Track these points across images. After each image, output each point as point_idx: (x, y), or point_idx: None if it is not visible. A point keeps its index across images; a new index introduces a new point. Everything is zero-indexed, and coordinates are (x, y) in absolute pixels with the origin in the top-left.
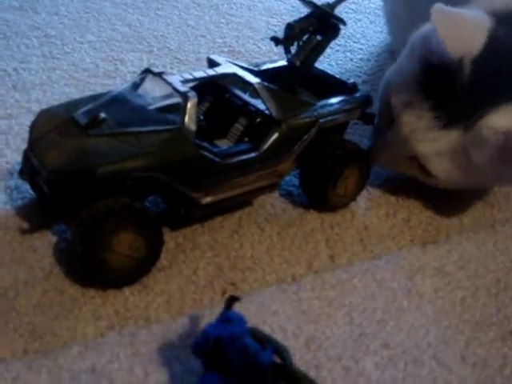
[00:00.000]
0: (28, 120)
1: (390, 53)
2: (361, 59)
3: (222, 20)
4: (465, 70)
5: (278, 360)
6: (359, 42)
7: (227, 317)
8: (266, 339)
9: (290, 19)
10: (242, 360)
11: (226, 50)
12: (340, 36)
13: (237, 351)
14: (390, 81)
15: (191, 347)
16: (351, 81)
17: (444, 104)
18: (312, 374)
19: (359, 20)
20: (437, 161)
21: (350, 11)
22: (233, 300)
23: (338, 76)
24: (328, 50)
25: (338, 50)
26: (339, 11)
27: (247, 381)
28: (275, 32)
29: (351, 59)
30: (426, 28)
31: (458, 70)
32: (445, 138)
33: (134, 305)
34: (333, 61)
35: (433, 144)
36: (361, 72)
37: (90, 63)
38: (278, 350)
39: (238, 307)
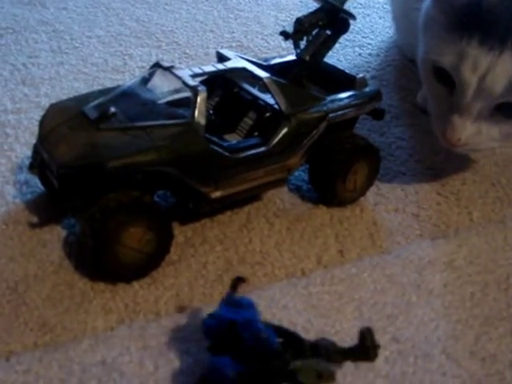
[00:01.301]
0: (37, 114)
1: (399, 48)
2: (369, 54)
3: (231, 15)
4: None
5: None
6: (368, 36)
7: (239, 302)
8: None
9: (298, 14)
10: (255, 344)
11: (234, 44)
12: (349, 31)
13: (250, 335)
14: (428, 52)
15: (202, 328)
16: (360, 75)
17: (488, 32)
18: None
19: (368, 15)
20: None
21: (359, 6)
22: (238, 281)
23: (347, 71)
24: (337, 45)
25: (346, 45)
26: (348, 5)
27: (259, 364)
28: (284, 27)
29: (360, 54)
30: None
31: None
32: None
33: (144, 298)
34: (341, 56)
35: (505, 74)
36: (370, 67)
37: (98, 58)
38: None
39: None
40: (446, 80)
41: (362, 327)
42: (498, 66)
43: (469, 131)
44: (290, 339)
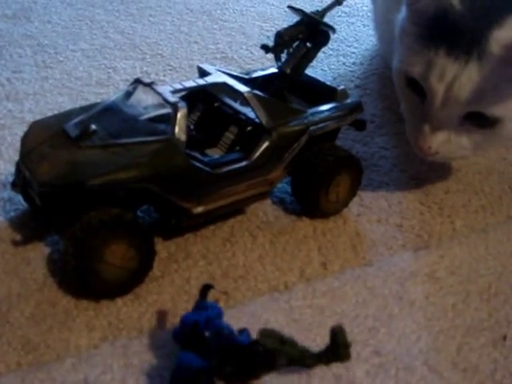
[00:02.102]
0: (21, 130)
1: (382, 57)
2: (354, 63)
3: (215, 26)
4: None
5: None
6: (352, 45)
7: (202, 305)
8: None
9: (283, 24)
10: (218, 340)
11: (218, 56)
12: (332, 40)
13: (212, 332)
14: (402, 62)
15: (171, 335)
16: (341, 87)
17: (454, 42)
18: (303, 381)
19: (352, 23)
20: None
21: (343, 15)
22: (207, 288)
23: (328, 83)
24: (321, 55)
25: (330, 55)
26: (332, 14)
27: (223, 360)
28: (268, 37)
29: (344, 63)
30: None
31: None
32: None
33: (127, 315)
34: (326, 65)
35: (470, 83)
36: (354, 76)
37: (83, 72)
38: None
39: (229, 317)
40: (418, 90)
41: (333, 325)
42: (463, 75)
43: (438, 140)
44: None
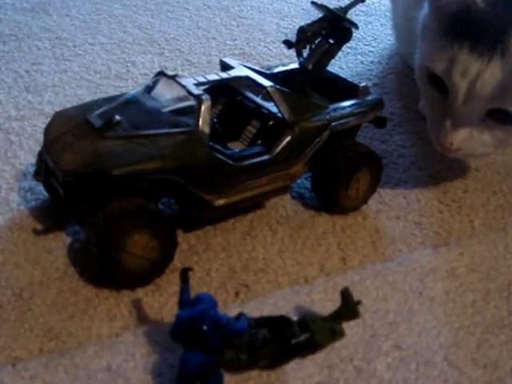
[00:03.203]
0: (41, 121)
1: (400, 56)
2: (371, 62)
3: (233, 22)
4: None
5: None
6: (370, 44)
7: (197, 299)
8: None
9: (300, 22)
10: (216, 332)
11: (236, 52)
12: (351, 39)
13: (209, 325)
14: (424, 58)
15: (169, 333)
16: (363, 84)
17: (477, 39)
18: (325, 374)
19: (370, 22)
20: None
21: (361, 13)
22: (185, 272)
23: (349, 79)
24: (339, 53)
25: (348, 53)
26: (350, 13)
27: (226, 350)
28: (286, 34)
29: (362, 62)
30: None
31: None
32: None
33: (148, 305)
34: (343, 64)
35: (493, 80)
36: (372, 75)
37: (101, 65)
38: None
39: (252, 309)
40: (440, 86)
41: (341, 289)
42: (487, 71)
43: (460, 136)
44: (276, 325)
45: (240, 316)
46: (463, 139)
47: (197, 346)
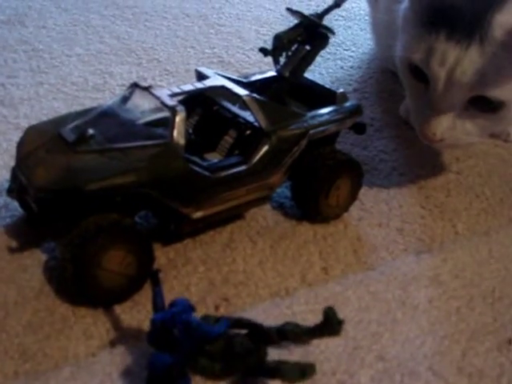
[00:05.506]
0: (16, 136)
1: (380, 61)
2: (351, 67)
3: (211, 30)
4: None
5: None
6: (349, 49)
7: (173, 302)
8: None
9: (279, 28)
10: (188, 335)
11: (215, 60)
12: (330, 44)
13: (180, 328)
14: (404, 50)
15: (146, 338)
16: (341, 90)
17: (454, 27)
18: None
19: (349, 27)
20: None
21: (340, 18)
22: (155, 274)
23: (327, 86)
24: (318, 59)
25: (328, 58)
26: (329, 18)
27: (195, 354)
28: (265, 41)
29: (342, 67)
30: None
31: None
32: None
33: (126, 323)
34: (323, 69)
35: (473, 67)
36: (352, 80)
37: (78, 77)
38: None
39: None
40: (421, 76)
41: (324, 308)
42: (465, 59)
43: (443, 125)
44: (255, 329)
45: (220, 318)
46: (446, 128)
47: (167, 349)
